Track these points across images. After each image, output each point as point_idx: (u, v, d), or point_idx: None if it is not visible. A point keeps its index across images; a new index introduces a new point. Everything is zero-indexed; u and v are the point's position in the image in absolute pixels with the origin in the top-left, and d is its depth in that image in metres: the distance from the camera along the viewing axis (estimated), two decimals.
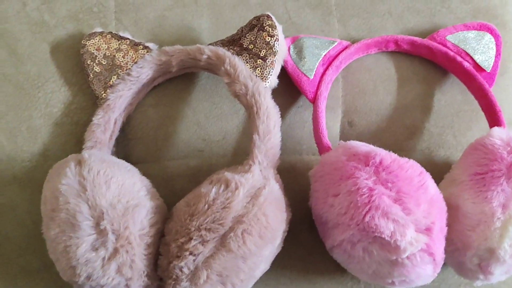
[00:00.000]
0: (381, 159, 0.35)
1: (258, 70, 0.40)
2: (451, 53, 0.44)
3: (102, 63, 0.43)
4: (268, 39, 0.40)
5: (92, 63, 0.43)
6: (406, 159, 0.35)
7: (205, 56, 0.40)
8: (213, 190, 0.34)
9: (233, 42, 0.42)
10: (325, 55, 0.44)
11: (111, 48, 0.43)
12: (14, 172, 0.43)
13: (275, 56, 0.40)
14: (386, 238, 0.33)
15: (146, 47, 0.43)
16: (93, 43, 0.43)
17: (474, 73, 0.43)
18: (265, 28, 0.41)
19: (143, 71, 0.42)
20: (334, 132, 0.46)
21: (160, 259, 0.35)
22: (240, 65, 0.39)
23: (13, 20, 0.45)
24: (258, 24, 0.41)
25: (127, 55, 0.43)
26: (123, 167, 0.37)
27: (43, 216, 0.35)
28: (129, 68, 0.42)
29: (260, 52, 0.40)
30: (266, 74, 0.40)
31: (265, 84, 0.40)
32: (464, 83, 0.45)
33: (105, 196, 0.33)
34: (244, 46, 0.41)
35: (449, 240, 0.37)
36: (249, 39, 0.41)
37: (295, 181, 0.44)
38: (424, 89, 0.46)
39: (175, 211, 0.35)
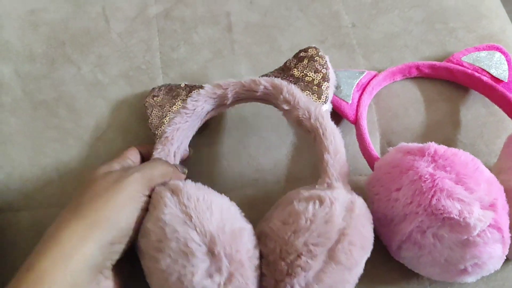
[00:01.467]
0: (435, 149, 0.38)
1: (315, 96, 0.43)
2: (469, 71, 0.49)
3: (160, 105, 0.46)
4: (320, 67, 0.44)
5: (151, 108, 0.46)
6: (456, 149, 0.39)
7: (261, 87, 0.42)
8: (310, 206, 0.35)
9: (283, 73, 0.45)
10: (357, 83, 0.49)
11: (168, 94, 0.46)
12: None
13: (328, 82, 0.44)
14: (455, 218, 0.35)
15: (200, 87, 0.45)
16: (152, 96, 0.47)
17: (494, 84, 0.48)
18: (315, 58, 0.44)
19: (198, 104, 0.43)
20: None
21: (265, 280, 0.35)
22: (297, 92, 0.41)
23: (70, 82, 0.50)
24: (307, 56, 0.45)
25: (182, 94, 0.46)
26: (214, 192, 0.37)
27: (146, 249, 0.34)
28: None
29: (314, 80, 0.43)
30: (322, 99, 0.43)
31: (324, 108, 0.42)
32: (486, 96, 0.49)
33: (211, 221, 0.33)
34: (296, 75, 0.44)
35: None
36: (300, 70, 0.44)
37: None
38: (450, 106, 0.50)
39: (270, 231, 0.36)
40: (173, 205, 0.34)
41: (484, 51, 0.51)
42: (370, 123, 0.49)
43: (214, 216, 0.34)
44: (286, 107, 0.41)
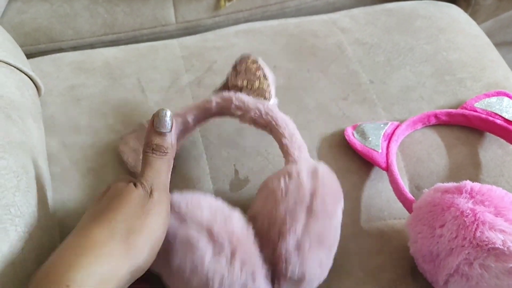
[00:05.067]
0: (471, 187, 0.41)
1: (261, 97, 0.49)
2: (483, 116, 0.54)
3: (134, 149, 0.51)
4: (256, 71, 0.50)
5: (126, 155, 0.51)
6: (489, 185, 0.42)
7: (214, 103, 0.48)
8: (281, 182, 0.41)
9: (229, 87, 0.50)
10: (383, 133, 0.53)
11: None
12: None
13: (267, 80, 0.50)
14: (500, 247, 0.38)
15: None
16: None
17: (508, 126, 0.52)
18: (249, 65, 0.50)
19: None
20: None
21: (264, 252, 0.40)
22: (245, 97, 0.47)
23: (115, 149, 0.53)
24: (242, 64, 0.50)
25: None
26: (200, 194, 0.42)
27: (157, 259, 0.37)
28: None
29: (255, 83, 0.49)
30: (267, 97, 0.49)
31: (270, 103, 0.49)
32: (501, 137, 0.53)
33: (203, 216, 0.39)
34: (239, 85, 0.50)
35: None
36: (241, 79, 0.50)
37: (387, 243, 0.48)
38: (469, 149, 0.54)
39: (256, 212, 0.41)
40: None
41: (493, 97, 0.56)
42: (398, 169, 0.53)
43: (204, 212, 0.39)
44: (239, 112, 0.47)
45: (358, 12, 0.68)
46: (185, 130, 0.49)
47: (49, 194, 0.45)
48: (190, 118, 0.48)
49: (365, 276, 0.46)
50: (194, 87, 0.59)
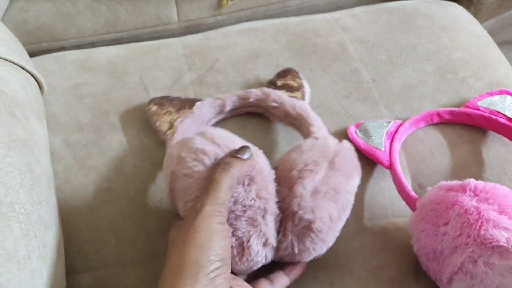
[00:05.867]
0: (475, 185, 0.41)
1: (297, 96, 0.54)
2: (486, 114, 0.54)
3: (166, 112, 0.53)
4: (297, 79, 0.56)
5: (157, 115, 0.53)
6: (493, 183, 0.42)
7: (253, 95, 0.53)
8: (308, 140, 0.44)
9: (268, 86, 0.56)
10: (387, 132, 0.53)
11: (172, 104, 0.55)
12: (139, 275, 0.46)
13: (305, 87, 0.55)
14: (504, 245, 0.38)
15: (198, 99, 0.55)
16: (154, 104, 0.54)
17: (511, 125, 0.52)
18: (292, 72, 0.57)
19: (202, 111, 0.53)
20: None
21: (279, 192, 0.41)
22: (282, 94, 0.53)
23: (117, 148, 0.53)
24: (285, 70, 0.58)
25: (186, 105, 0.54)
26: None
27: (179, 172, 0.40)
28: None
29: (294, 85, 0.55)
30: (304, 98, 0.54)
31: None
32: (504, 135, 0.53)
33: (234, 145, 0.41)
34: (279, 85, 0.56)
35: None
36: (282, 81, 0.56)
37: (390, 241, 0.49)
38: (472, 148, 0.54)
39: (279, 161, 0.44)
40: (201, 138, 0.41)
41: (496, 96, 0.56)
42: (401, 168, 0.53)
43: (236, 142, 0.42)
44: (275, 104, 0.52)
45: (360, 10, 0.68)
46: (220, 112, 0.54)
47: (53, 192, 0.45)
48: (228, 102, 0.53)
49: (368, 274, 0.46)
50: (196, 85, 0.59)
